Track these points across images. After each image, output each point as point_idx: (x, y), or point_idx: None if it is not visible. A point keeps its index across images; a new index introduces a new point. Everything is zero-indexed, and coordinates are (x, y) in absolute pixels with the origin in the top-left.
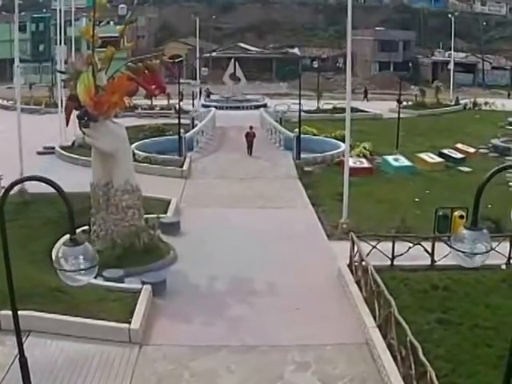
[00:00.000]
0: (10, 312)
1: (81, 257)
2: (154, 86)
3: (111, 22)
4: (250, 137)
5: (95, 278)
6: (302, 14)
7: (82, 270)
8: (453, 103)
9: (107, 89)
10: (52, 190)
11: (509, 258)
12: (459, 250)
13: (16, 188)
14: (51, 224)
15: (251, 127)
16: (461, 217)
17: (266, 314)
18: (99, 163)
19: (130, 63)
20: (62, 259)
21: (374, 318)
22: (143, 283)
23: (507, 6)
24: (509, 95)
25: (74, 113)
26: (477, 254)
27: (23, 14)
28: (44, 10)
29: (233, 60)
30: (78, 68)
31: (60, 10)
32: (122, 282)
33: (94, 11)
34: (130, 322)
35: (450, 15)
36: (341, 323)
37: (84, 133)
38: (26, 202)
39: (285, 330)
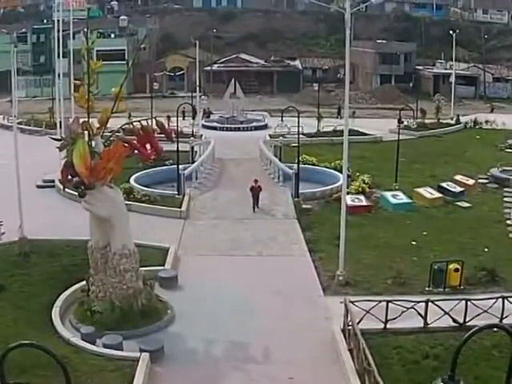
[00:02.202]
0: None
1: None
2: (149, 149)
3: (112, 35)
4: (255, 191)
5: (95, 343)
6: (303, 22)
7: None
8: (453, 121)
9: (103, 156)
10: (52, 236)
11: (501, 319)
12: None
13: (16, 236)
14: (51, 280)
15: (256, 181)
16: (456, 270)
17: None
18: (96, 226)
19: (126, 125)
20: None
21: None
22: (141, 351)
23: (509, 14)
24: (492, 110)
25: None
26: None
27: (23, 30)
28: (45, 21)
29: (233, 80)
30: (74, 131)
31: (59, 22)
32: (121, 349)
33: (88, 78)
34: None
35: (451, 32)
36: None
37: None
38: (25, 253)
39: None
